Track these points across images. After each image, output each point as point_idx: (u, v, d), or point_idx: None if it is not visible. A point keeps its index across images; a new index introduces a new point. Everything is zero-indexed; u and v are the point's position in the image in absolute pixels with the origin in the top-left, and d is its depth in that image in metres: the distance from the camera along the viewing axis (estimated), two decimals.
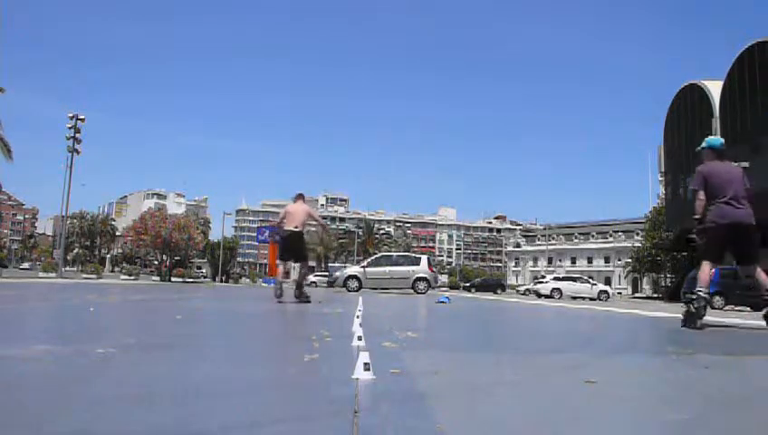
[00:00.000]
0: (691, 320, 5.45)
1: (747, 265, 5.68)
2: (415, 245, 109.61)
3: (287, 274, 9.20)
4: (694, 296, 5.50)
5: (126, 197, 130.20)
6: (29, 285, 14.27)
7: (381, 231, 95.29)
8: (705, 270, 5.61)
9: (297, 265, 8.80)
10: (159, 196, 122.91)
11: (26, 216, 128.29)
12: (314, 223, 9.35)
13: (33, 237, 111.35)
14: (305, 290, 8.44)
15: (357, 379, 1.90)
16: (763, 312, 5.68)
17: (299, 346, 2.98)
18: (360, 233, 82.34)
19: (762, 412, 1.82)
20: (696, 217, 5.60)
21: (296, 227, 8.44)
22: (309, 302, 7.96)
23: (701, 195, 5.57)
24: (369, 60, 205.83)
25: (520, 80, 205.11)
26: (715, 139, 5.89)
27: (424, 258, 21.58)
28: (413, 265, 20.78)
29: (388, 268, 20.56)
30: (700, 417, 1.69)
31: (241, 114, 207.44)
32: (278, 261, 9.04)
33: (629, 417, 1.68)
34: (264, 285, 36.61)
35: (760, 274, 5.53)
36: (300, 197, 8.99)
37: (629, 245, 70.52)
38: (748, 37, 43.30)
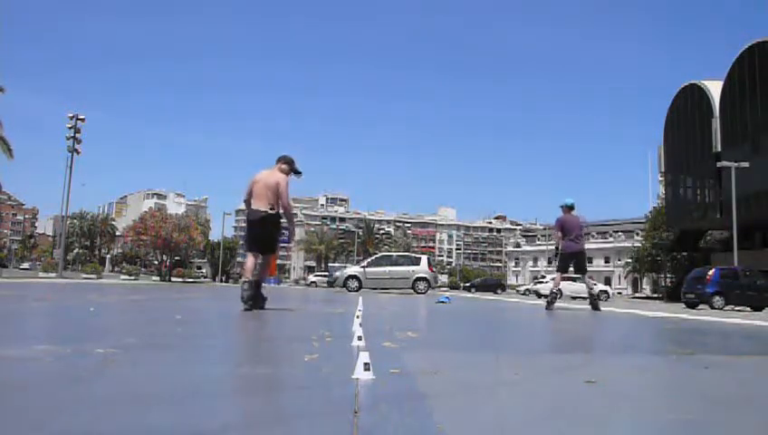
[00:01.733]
0: (548, 306, 9.40)
1: (582, 274, 10.03)
2: (415, 245, 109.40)
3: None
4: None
5: (126, 197, 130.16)
6: (29, 285, 14.28)
7: (381, 231, 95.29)
8: (558, 277, 9.95)
9: (261, 256, 6.34)
10: (159, 196, 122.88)
11: (26, 216, 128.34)
12: (285, 216, 6.40)
13: (33, 237, 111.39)
14: (263, 291, 6.25)
15: (357, 379, 1.90)
16: (589, 304, 9.71)
17: (299, 346, 2.98)
18: (360, 233, 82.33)
19: (762, 412, 1.82)
20: (557, 246, 9.84)
21: (271, 209, 6.07)
22: (263, 307, 6.05)
23: (558, 234, 9.70)
24: (369, 59, 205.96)
25: (520, 80, 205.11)
26: (568, 199, 9.71)
27: (424, 258, 21.61)
28: (413, 265, 20.81)
29: (388, 268, 20.59)
30: (700, 417, 1.69)
31: (241, 114, 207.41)
32: (246, 253, 6.49)
33: (629, 417, 1.68)
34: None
35: (588, 280, 10.08)
36: (282, 160, 6.35)
37: (629, 245, 70.52)
38: (748, 37, 43.39)
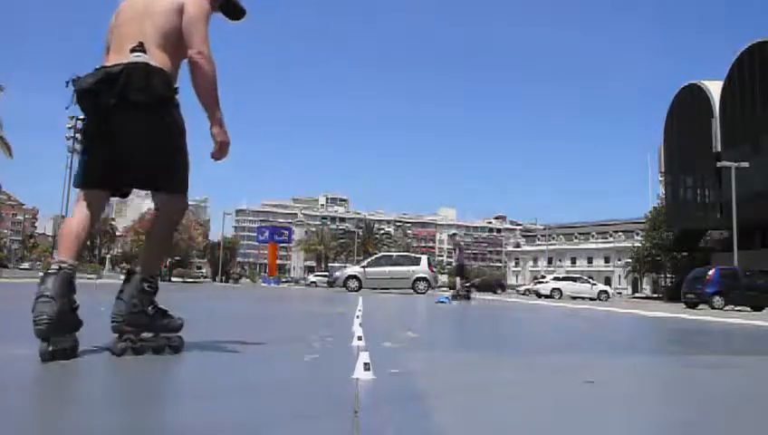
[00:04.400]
0: (452, 299, 12.89)
1: (462, 278, 15.14)
2: (415, 245, 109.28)
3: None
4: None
5: None
6: (29, 285, 14.26)
7: (381, 231, 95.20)
8: (459, 281, 15.05)
9: (155, 202, 2.48)
10: None
11: (26, 216, 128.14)
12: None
13: (33, 237, 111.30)
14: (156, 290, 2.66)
15: (357, 379, 1.90)
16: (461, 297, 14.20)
17: (299, 346, 2.98)
18: (360, 233, 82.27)
19: (762, 412, 1.82)
20: (456, 260, 16.75)
21: (139, 53, 2.23)
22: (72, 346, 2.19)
23: (457, 251, 16.82)
24: (369, 59, 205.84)
25: (520, 80, 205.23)
26: (460, 231, 20.22)
27: (424, 258, 21.62)
28: (413, 265, 20.81)
29: (388, 268, 20.59)
30: (700, 417, 1.69)
31: (241, 114, 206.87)
32: (79, 194, 2.35)
33: (629, 417, 1.68)
34: (263, 285, 36.58)
35: (463, 281, 15.07)
36: None
37: (629, 245, 70.45)
38: (748, 37, 43.39)
